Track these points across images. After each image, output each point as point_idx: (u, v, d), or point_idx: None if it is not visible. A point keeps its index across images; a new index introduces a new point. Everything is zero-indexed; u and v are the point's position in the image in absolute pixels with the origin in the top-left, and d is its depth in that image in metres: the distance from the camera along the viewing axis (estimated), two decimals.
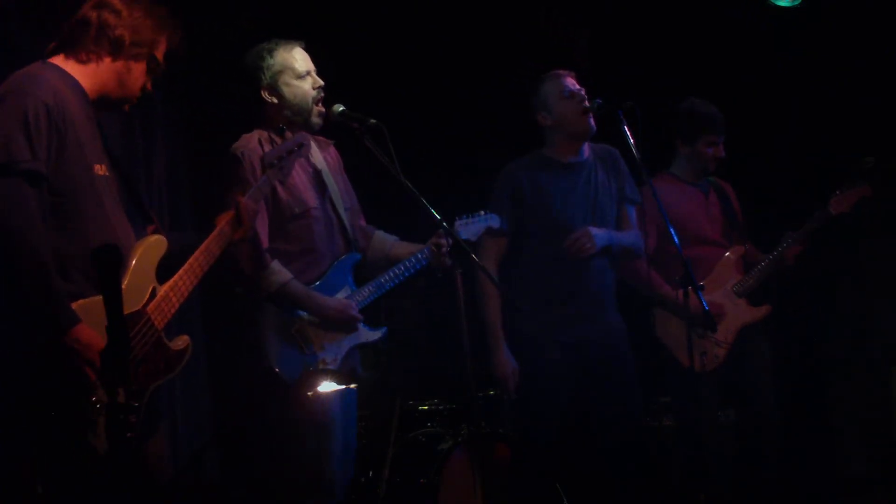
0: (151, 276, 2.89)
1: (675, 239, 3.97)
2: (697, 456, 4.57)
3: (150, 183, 4.64)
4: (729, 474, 4.65)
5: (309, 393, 3.76)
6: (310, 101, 3.75)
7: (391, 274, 3.84)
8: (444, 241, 3.80)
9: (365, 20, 5.35)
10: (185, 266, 2.97)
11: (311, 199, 3.76)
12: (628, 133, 3.93)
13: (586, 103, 4.33)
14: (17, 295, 2.64)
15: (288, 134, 3.47)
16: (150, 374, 2.83)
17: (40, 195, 2.71)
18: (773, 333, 4.97)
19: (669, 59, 5.62)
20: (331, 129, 3.86)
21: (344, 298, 3.75)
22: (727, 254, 4.79)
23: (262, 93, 3.76)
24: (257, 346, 3.62)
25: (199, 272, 3.00)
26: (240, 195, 3.19)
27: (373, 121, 3.51)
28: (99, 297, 2.55)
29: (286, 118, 3.75)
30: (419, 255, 3.85)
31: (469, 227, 3.97)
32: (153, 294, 2.87)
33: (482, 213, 4.06)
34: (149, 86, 3.04)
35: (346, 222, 3.86)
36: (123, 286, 2.76)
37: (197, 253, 3.00)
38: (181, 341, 2.95)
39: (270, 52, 3.75)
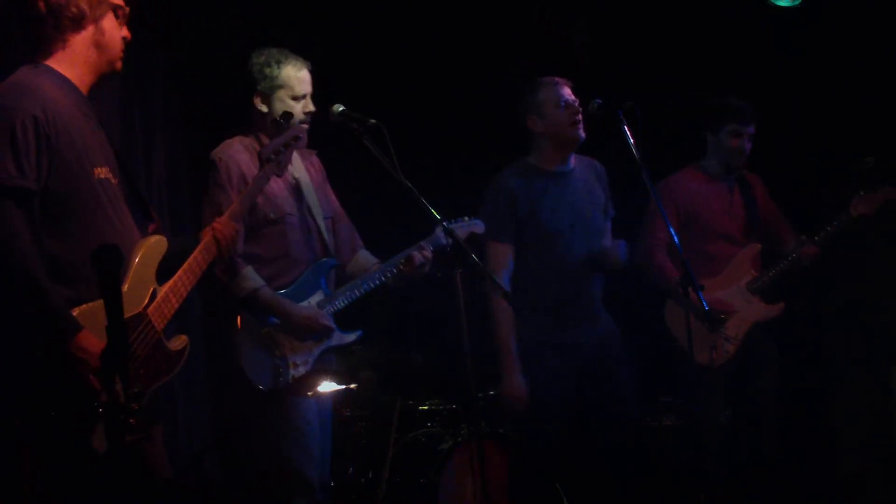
0: (152, 278, 2.88)
1: (675, 239, 3.96)
2: (697, 455, 4.58)
3: (150, 182, 4.64)
4: (728, 474, 4.66)
5: (310, 393, 3.77)
6: (296, 123, 3.77)
7: (366, 281, 3.85)
8: (417, 256, 3.82)
9: (360, 19, 5.35)
10: (184, 266, 2.97)
11: (287, 205, 3.78)
12: (628, 133, 3.93)
13: (579, 116, 4.33)
14: (15, 308, 2.65)
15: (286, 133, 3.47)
16: (150, 375, 2.83)
17: (30, 211, 2.69)
18: (774, 333, 4.96)
19: (669, 58, 5.62)
20: (331, 130, 3.85)
21: (314, 306, 3.76)
22: (743, 250, 4.80)
23: (255, 97, 3.78)
24: (232, 348, 3.65)
25: (197, 272, 3.00)
26: (218, 220, 3.15)
27: (372, 121, 3.51)
28: (101, 302, 2.55)
29: (268, 129, 3.77)
30: (393, 263, 3.86)
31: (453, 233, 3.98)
32: (153, 295, 2.87)
33: (466, 218, 4.06)
34: (126, 34, 2.98)
35: (324, 229, 3.87)
36: (125, 288, 2.77)
37: (192, 256, 3.00)
38: (179, 341, 2.94)
39: (279, 63, 3.76)
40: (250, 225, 3.70)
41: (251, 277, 3.66)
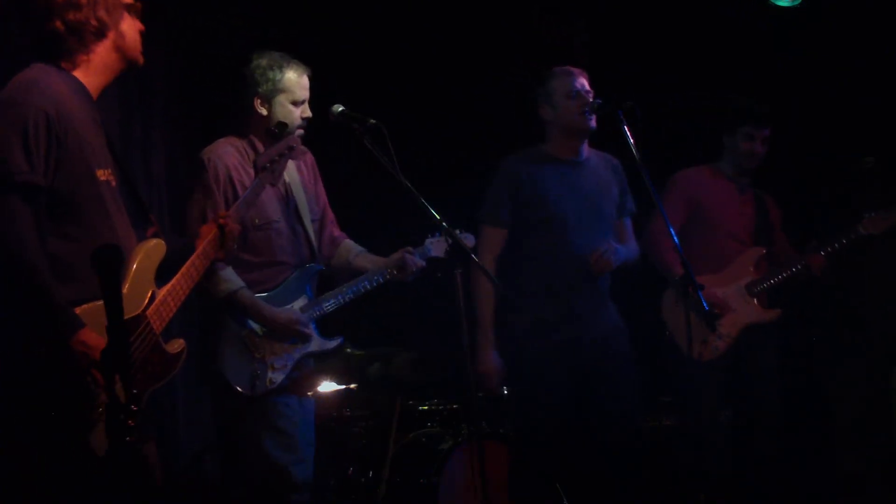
0: (151, 280, 2.88)
1: (676, 239, 3.97)
2: (697, 454, 4.57)
3: (150, 182, 4.64)
4: (728, 474, 4.65)
5: (310, 393, 3.77)
6: (293, 127, 3.77)
7: (353, 288, 3.86)
8: (408, 259, 3.85)
9: (360, 19, 5.35)
10: (182, 270, 2.97)
11: (274, 211, 3.78)
12: (628, 133, 3.94)
13: (589, 104, 4.34)
14: (19, 304, 2.65)
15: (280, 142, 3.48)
16: (148, 378, 2.83)
17: (37, 207, 2.69)
18: (774, 333, 4.95)
19: (669, 58, 5.62)
20: (331, 130, 3.85)
21: (294, 311, 3.76)
22: (748, 251, 4.80)
23: (256, 99, 3.77)
24: (211, 350, 3.66)
25: (195, 276, 3.00)
26: (223, 215, 3.16)
27: (372, 121, 3.51)
28: (101, 302, 2.55)
29: (267, 132, 3.77)
30: (384, 271, 3.88)
31: (440, 245, 4.00)
32: (152, 298, 2.86)
33: (457, 231, 4.02)
34: (141, 26, 2.98)
35: (312, 234, 3.88)
36: (124, 290, 2.76)
37: (190, 260, 3.00)
38: (177, 344, 2.94)
39: (281, 67, 3.76)
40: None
41: (229, 279, 3.65)
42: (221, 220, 3.12)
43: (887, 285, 5.53)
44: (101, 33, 2.87)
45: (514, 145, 4.61)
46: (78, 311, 2.68)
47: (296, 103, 3.77)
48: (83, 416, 2.63)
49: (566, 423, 4.32)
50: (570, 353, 4.32)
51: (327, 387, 4.82)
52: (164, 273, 2.92)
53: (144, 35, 2.98)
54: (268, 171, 3.33)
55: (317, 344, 3.81)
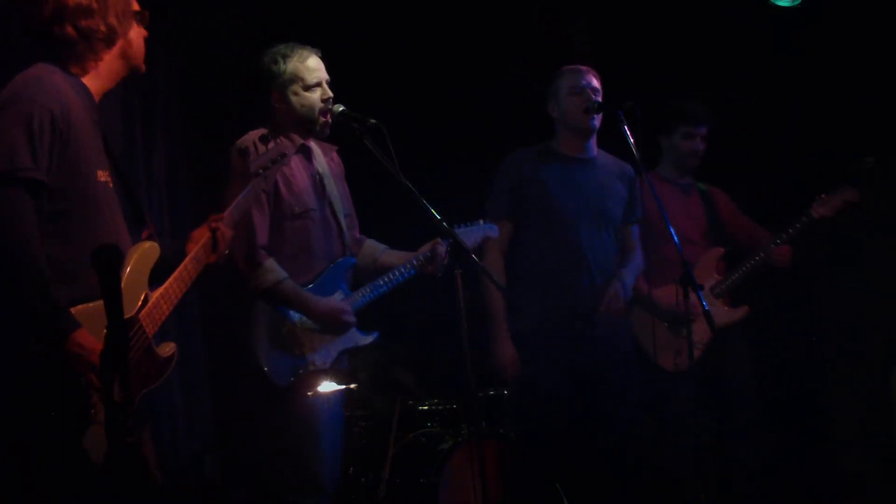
0: (144, 283, 2.87)
1: (676, 238, 3.97)
2: (674, 459, 4.56)
3: (150, 182, 4.64)
4: (728, 474, 4.65)
5: (309, 393, 3.77)
6: (316, 112, 3.74)
7: (385, 279, 3.84)
8: (439, 250, 3.82)
9: (360, 19, 5.35)
10: (175, 273, 2.96)
11: (311, 200, 3.76)
12: (628, 133, 3.94)
13: (589, 103, 4.34)
14: (17, 302, 2.64)
15: (271, 144, 3.46)
16: (140, 381, 2.82)
17: (39, 203, 2.70)
18: (774, 333, 4.96)
19: (669, 58, 5.61)
20: (331, 130, 3.85)
21: (336, 300, 3.74)
22: (706, 254, 4.79)
23: (272, 96, 3.76)
24: (249, 346, 3.63)
25: (188, 280, 3.00)
26: (214, 219, 3.15)
27: (372, 121, 3.51)
28: (97, 303, 2.55)
29: (293, 124, 3.76)
30: (413, 261, 3.85)
31: (467, 236, 3.94)
32: (145, 301, 2.86)
33: (480, 221, 4.06)
34: (145, 32, 3.01)
35: (345, 227, 3.86)
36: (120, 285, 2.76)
37: (183, 264, 2.99)
38: (168, 348, 2.93)
39: (284, 58, 3.73)
40: (274, 219, 3.69)
41: (274, 269, 3.64)
42: (213, 224, 3.11)
43: (887, 285, 5.53)
44: (110, 40, 2.89)
45: (514, 145, 4.62)
46: (73, 311, 2.67)
47: (309, 88, 3.73)
48: (78, 418, 2.63)
49: (567, 422, 4.33)
50: (570, 351, 4.33)
51: (327, 387, 4.81)
52: (156, 276, 2.92)
53: (146, 38, 2.99)
54: (261, 176, 3.32)
55: (355, 339, 3.80)
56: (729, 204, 5.00)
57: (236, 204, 3.24)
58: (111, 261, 2.28)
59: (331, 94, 3.76)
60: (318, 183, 3.81)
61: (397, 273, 3.85)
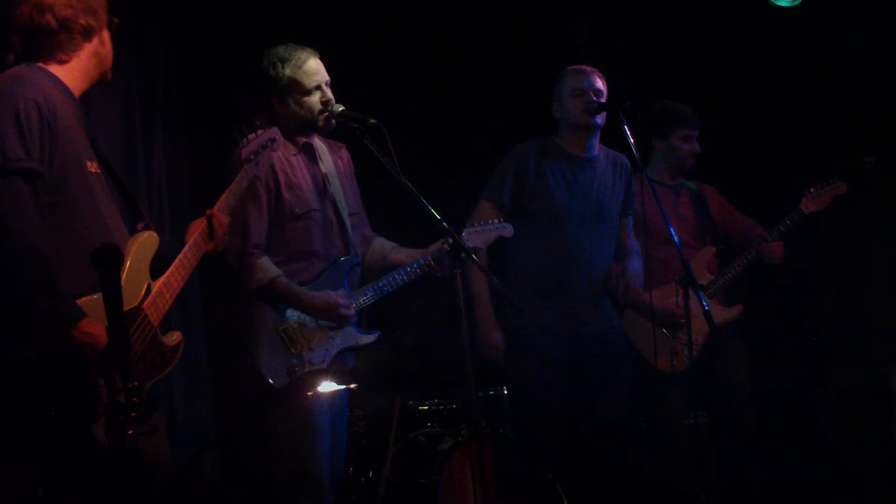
0: (146, 273, 2.89)
1: (676, 239, 3.97)
2: (669, 459, 4.56)
3: (150, 182, 4.64)
4: (712, 476, 4.64)
5: (309, 393, 3.77)
6: (315, 113, 3.73)
7: (390, 279, 3.82)
8: (447, 248, 3.77)
9: (360, 19, 5.35)
10: (176, 262, 2.97)
11: (313, 201, 3.75)
12: (628, 133, 3.95)
13: (590, 104, 4.35)
14: (22, 293, 2.64)
15: (259, 131, 3.45)
16: (147, 370, 2.83)
17: (36, 193, 2.71)
18: (774, 333, 4.95)
19: (669, 58, 5.62)
20: (331, 130, 3.85)
21: (330, 292, 3.70)
22: (698, 254, 4.79)
23: (273, 99, 3.75)
24: (246, 344, 3.63)
25: (188, 267, 3.01)
26: (216, 208, 3.16)
27: (373, 121, 3.51)
28: (97, 296, 2.55)
29: (295, 126, 3.76)
30: (420, 261, 3.82)
31: (480, 235, 3.94)
32: (148, 290, 2.87)
33: (495, 220, 4.05)
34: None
35: (348, 226, 3.84)
36: (121, 283, 2.76)
37: (183, 252, 3.00)
38: (174, 336, 2.95)
39: (282, 62, 3.71)
40: (276, 220, 3.69)
41: (266, 267, 3.63)
42: (209, 212, 3.13)
43: (887, 285, 5.53)
44: (88, 34, 2.93)
45: (513, 145, 4.61)
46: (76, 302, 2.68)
47: (307, 93, 3.72)
48: (87, 407, 2.63)
49: (565, 420, 4.33)
50: (567, 349, 4.34)
51: (327, 387, 4.81)
52: (156, 267, 2.93)
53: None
54: (252, 162, 3.33)
55: (355, 338, 3.78)
56: (720, 201, 5.00)
57: (230, 189, 3.24)
58: (111, 261, 2.28)
59: (330, 95, 3.75)
60: (320, 182, 3.81)
61: (403, 273, 3.82)
